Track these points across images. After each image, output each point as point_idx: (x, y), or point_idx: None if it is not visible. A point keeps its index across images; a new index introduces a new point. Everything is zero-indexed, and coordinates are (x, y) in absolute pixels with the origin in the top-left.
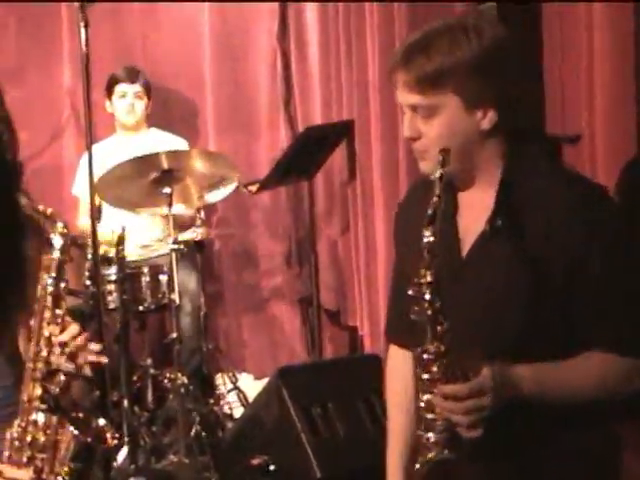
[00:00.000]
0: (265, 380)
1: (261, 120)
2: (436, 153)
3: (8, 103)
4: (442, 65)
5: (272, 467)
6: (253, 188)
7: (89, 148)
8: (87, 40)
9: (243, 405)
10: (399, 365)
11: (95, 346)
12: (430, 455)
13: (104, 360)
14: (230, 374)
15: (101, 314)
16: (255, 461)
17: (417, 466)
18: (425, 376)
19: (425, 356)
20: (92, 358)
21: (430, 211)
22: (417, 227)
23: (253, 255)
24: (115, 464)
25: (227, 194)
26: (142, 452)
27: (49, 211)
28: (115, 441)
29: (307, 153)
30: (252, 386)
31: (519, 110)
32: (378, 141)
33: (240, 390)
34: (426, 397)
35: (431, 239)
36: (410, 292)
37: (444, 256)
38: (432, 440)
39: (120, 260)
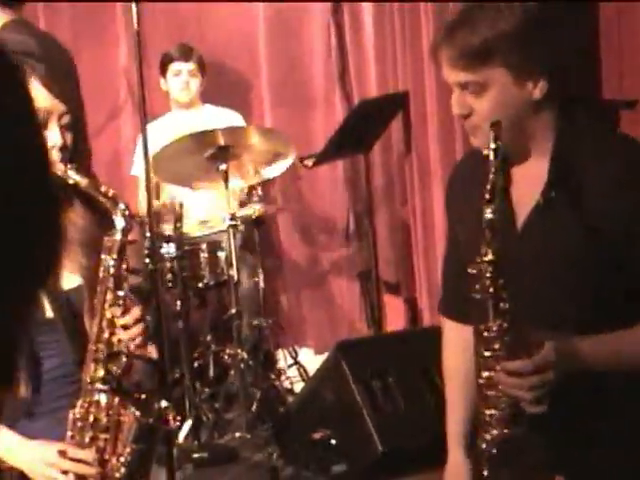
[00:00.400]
0: (325, 355)
1: (316, 94)
2: (488, 128)
3: None
4: (487, 39)
5: (333, 441)
6: (309, 162)
7: (143, 126)
8: (139, 18)
9: (304, 380)
10: (455, 339)
11: (151, 347)
12: (494, 432)
13: (153, 356)
14: (290, 349)
15: (159, 292)
16: (316, 435)
17: (483, 446)
18: (487, 353)
19: (487, 333)
20: (144, 352)
21: (489, 188)
22: (469, 200)
23: (311, 230)
24: (178, 441)
25: (284, 169)
26: (204, 428)
27: (111, 192)
28: (177, 423)
29: (363, 126)
30: (312, 361)
31: (571, 78)
32: (434, 113)
33: (300, 365)
34: (487, 374)
35: (492, 217)
36: (471, 270)
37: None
38: (495, 417)
39: (178, 237)
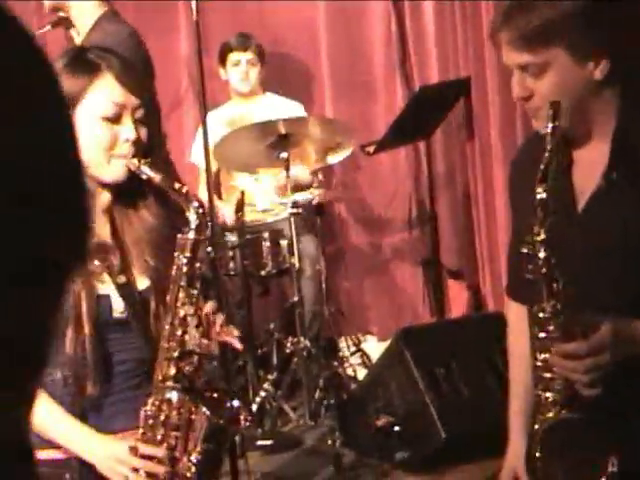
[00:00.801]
0: (388, 342)
1: (377, 81)
2: (547, 109)
3: None
4: (547, 19)
5: (396, 428)
6: (371, 149)
7: (203, 115)
8: (199, 8)
9: (366, 367)
10: (521, 322)
11: (235, 331)
12: (549, 414)
13: (238, 346)
14: (353, 336)
15: (221, 280)
16: (380, 422)
17: (536, 426)
18: (542, 335)
19: (541, 315)
20: (229, 339)
21: (542, 167)
22: (531, 184)
23: (373, 217)
24: (242, 427)
25: (345, 156)
26: (268, 416)
27: (185, 189)
28: (248, 423)
29: (424, 112)
30: (376, 348)
31: (634, 58)
32: (495, 98)
33: (363, 352)
34: (543, 356)
35: (544, 196)
36: (524, 250)
37: (560, 212)
38: (550, 399)
39: (240, 226)
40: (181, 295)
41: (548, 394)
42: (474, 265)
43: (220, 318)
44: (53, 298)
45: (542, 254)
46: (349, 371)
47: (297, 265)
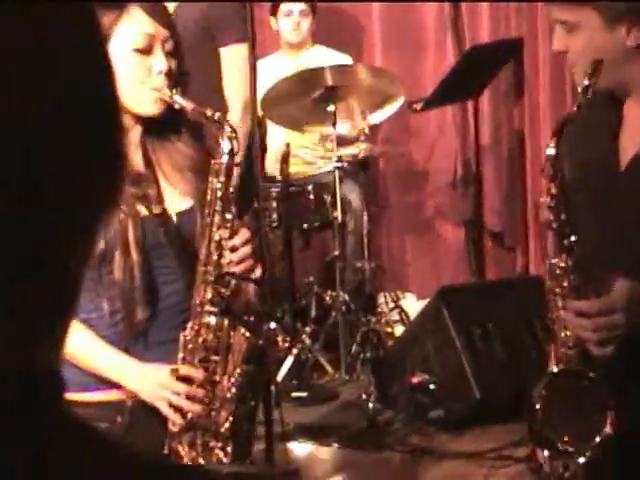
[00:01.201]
0: (427, 300)
1: (428, 39)
2: (582, 66)
3: None
4: None
5: (432, 386)
6: (418, 106)
7: (252, 64)
8: None
9: (404, 324)
10: None
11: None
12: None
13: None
14: (392, 293)
15: (264, 230)
16: (415, 379)
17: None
18: (557, 290)
19: (556, 269)
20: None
21: (560, 122)
22: (582, 139)
23: (417, 174)
24: (277, 379)
25: (392, 112)
26: (304, 368)
27: (217, 115)
28: (286, 344)
29: (473, 72)
30: (414, 306)
31: None
32: (546, 60)
33: (402, 309)
34: (558, 312)
35: (553, 152)
36: (542, 199)
37: (600, 171)
38: (566, 356)
39: (284, 177)
40: (216, 219)
41: (563, 350)
42: (516, 228)
43: (248, 249)
44: (88, 233)
45: (552, 208)
46: (387, 327)
47: (340, 219)
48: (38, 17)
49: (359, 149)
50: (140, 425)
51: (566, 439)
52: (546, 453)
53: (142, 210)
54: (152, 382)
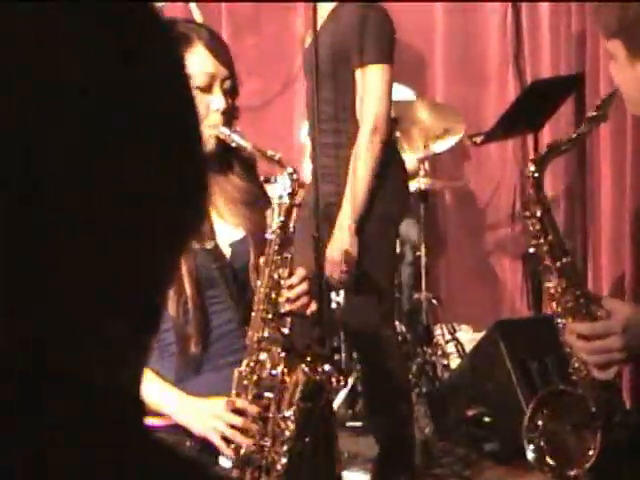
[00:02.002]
0: (483, 333)
1: (490, 72)
2: (626, 96)
3: (244, 50)
4: (617, 12)
5: (487, 419)
6: (478, 139)
7: (313, 94)
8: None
9: (460, 356)
10: None
11: (313, 305)
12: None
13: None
14: (449, 325)
15: (321, 259)
16: (470, 412)
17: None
18: (558, 309)
19: (552, 291)
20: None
21: (548, 146)
22: None
23: (477, 208)
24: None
25: (452, 145)
26: (359, 398)
27: (278, 156)
28: (341, 383)
29: (534, 106)
30: (470, 338)
31: None
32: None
33: (458, 341)
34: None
35: (536, 175)
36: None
37: None
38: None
39: None
40: (275, 258)
41: (570, 370)
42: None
43: (305, 287)
44: (173, 264)
45: (538, 231)
46: (443, 359)
47: (398, 250)
48: (129, 52)
49: (419, 181)
50: (209, 449)
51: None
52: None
53: (195, 244)
54: (205, 414)
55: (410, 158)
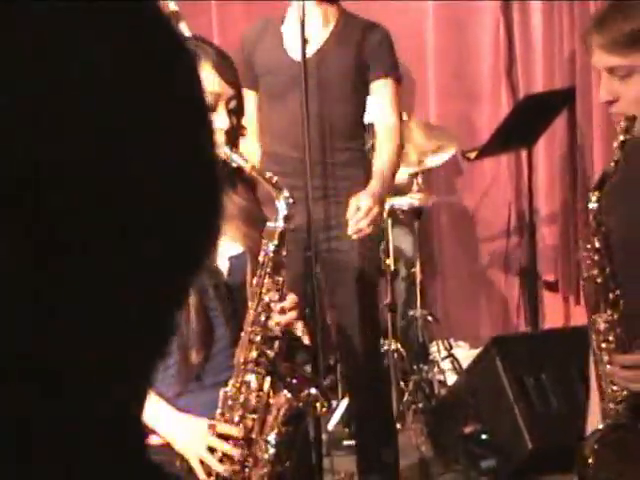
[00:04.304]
0: (480, 349)
1: (483, 88)
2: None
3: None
4: (630, 24)
5: (484, 436)
6: (472, 155)
7: (306, 114)
8: (304, 13)
9: (457, 373)
10: None
11: (305, 334)
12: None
13: (307, 342)
14: (445, 342)
15: (315, 278)
16: (467, 429)
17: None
18: (603, 345)
19: (601, 325)
20: (299, 333)
21: (600, 176)
22: (622, 196)
23: (471, 223)
24: (329, 427)
25: (445, 160)
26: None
27: (275, 179)
28: (324, 409)
29: (527, 121)
30: (467, 355)
31: None
32: (599, 109)
33: (454, 358)
34: (605, 367)
35: (595, 205)
36: (583, 254)
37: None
38: (612, 410)
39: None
40: (267, 281)
41: (612, 406)
42: (571, 277)
43: (296, 313)
44: (185, 286)
45: (595, 262)
46: (439, 376)
47: (392, 267)
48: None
49: (412, 197)
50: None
51: None
52: None
53: None
54: (187, 432)
55: (402, 172)
